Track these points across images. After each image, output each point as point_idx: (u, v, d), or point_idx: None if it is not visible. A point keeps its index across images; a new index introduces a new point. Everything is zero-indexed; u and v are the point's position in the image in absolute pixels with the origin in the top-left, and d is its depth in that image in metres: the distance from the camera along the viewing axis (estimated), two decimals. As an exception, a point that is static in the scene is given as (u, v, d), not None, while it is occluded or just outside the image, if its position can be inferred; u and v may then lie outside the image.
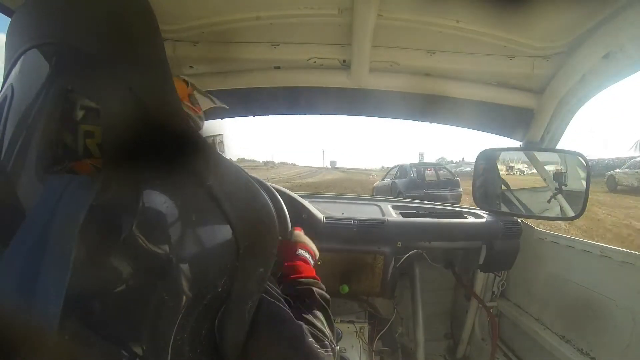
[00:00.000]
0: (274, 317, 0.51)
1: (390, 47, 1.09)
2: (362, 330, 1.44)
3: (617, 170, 12.71)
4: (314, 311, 0.62)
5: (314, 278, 0.70)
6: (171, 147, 0.41)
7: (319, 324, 0.60)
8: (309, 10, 0.92)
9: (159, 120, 0.41)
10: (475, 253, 1.42)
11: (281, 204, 0.92)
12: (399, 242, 1.34)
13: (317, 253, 0.83)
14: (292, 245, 0.79)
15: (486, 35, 0.97)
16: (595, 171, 12.68)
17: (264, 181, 1.00)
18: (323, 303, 0.65)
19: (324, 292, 0.67)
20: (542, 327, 1.20)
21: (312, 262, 0.78)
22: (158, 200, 0.41)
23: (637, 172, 11.40)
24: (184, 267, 0.41)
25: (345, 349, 1.34)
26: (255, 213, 0.48)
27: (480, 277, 1.47)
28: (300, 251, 0.78)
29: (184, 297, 0.41)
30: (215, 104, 0.67)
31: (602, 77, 0.98)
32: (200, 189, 0.43)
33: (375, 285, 1.37)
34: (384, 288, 1.37)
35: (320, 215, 1.35)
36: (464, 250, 1.55)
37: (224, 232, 0.44)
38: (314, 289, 0.66)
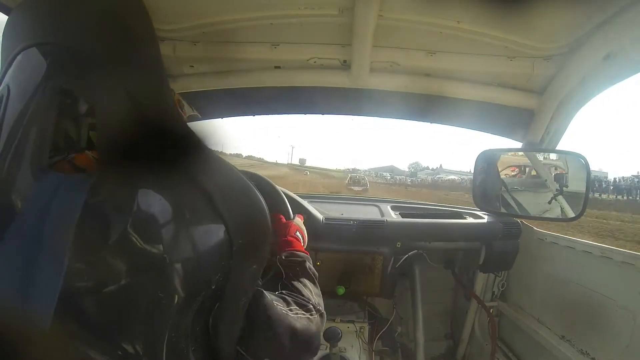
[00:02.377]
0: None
1: (391, 48, 1.09)
2: (362, 330, 1.44)
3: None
4: (303, 279, 0.67)
5: (306, 254, 0.76)
6: (165, 147, 0.42)
7: (305, 292, 0.64)
8: (310, 10, 0.92)
9: (153, 120, 0.41)
10: (475, 253, 1.42)
11: (281, 195, 0.98)
12: (399, 243, 1.34)
13: (306, 241, 0.92)
14: (292, 225, 0.86)
15: (487, 35, 0.96)
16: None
17: (263, 176, 1.02)
18: (311, 274, 0.70)
19: (312, 267, 0.73)
20: (542, 327, 1.20)
21: (304, 245, 0.86)
22: (152, 199, 0.41)
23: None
24: (178, 265, 0.41)
25: (345, 349, 1.33)
26: (249, 211, 0.48)
27: (481, 278, 1.47)
28: (297, 233, 0.85)
29: (178, 295, 0.41)
30: (193, 111, 0.70)
31: (602, 79, 0.98)
32: (194, 188, 0.44)
33: (375, 285, 1.37)
34: (383, 288, 1.37)
35: (320, 216, 1.35)
36: (464, 251, 1.55)
37: (218, 230, 0.44)
38: (306, 261, 0.73)
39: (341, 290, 1.32)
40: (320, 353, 1.30)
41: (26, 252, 0.35)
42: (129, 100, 0.40)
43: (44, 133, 0.41)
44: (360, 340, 1.40)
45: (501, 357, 1.39)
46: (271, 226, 0.52)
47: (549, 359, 1.11)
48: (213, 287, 0.44)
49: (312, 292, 0.66)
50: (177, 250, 0.42)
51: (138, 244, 0.39)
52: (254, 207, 0.49)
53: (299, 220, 0.93)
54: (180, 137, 0.45)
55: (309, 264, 0.73)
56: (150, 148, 0.41)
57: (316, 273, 0.73)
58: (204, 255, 0.43)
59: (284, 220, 0.88)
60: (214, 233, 0.44)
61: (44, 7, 0.43)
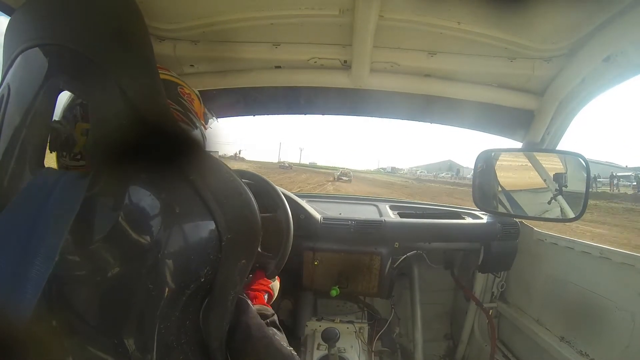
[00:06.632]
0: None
1: (391, 48, 1.09)
2: (361, 331, 1.44)
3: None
4: (273, 329, 0.68)
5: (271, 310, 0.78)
6: (158, 144, 0.43)
7: (281, 340, 0.65)
8: (310, 10, 0.92)
9: (147, 118, 0.42)
10: (474, 254, 1.42)
11: (282, 200, 1.01)
12: (397, 243, 1.34)
13: (272, 301, 0.94)
14: (265, 285, 0.89)
15: (487, 36, 0.96)
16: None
17: (281, 189, 1.05)
18: (280, 329, 0.72)
19: (278, 324, 0.74)
20: (542, 328, 1.20)
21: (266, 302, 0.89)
22: (144, 194, 0.43)
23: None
24: (168, 257, 0.43)
25: (344, 349, 1.33)
26: (238, 208, 0.50)
27: (480, 278, 1.47)
28: (265, 295, 0.88)
29: (168, 286, 0.43)
30: (206, 112, 0.71)
31: (602, 80, 0.98)
32: (185, 184, 0.45)
33: (373, 285, 1.37)
34: (380, 288, 1.37)
35: (318, 216, 1.35)
36: (463, 252, 1.55)
37: (207, 225, 0.46)
38: (275, 316, 0.74)
39: (335, 292, 1.32)
40: (319, 353, 1.30)
41: (19, 245, 0.35)
42: (124, 100, 0.41)
43: (44, 131, 0.42)
44: (360, 341, 1.40)
45: (500, 358, 1.39)
46: (261, 227, 0.53)
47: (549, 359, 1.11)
48: (202, 280, 0.46)
49: (285, 342, 0.67)
50: (167, 242, 0.43)
51: (129, 236, 0.41)
52: (243, 204, 0.50)
53: (276, 285, 0.95)
54: (172, 135, 0.46)
55: (276, 320, 0.74)
56: (142, 146, 0.42)
57: (282, 331, 0.74)
58: (193, 249, 0.45)
59: (263, 276, 0.91)
60: (203, 227, 0.46)
61: (45, 9, 0.44)
